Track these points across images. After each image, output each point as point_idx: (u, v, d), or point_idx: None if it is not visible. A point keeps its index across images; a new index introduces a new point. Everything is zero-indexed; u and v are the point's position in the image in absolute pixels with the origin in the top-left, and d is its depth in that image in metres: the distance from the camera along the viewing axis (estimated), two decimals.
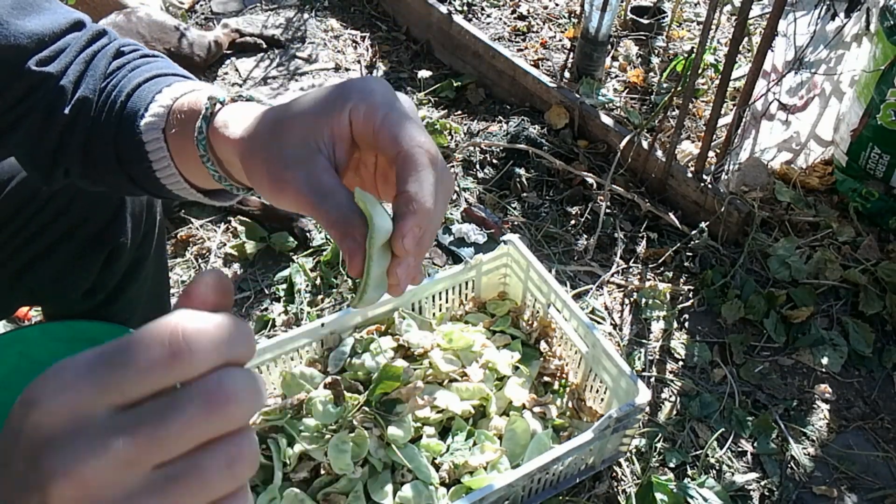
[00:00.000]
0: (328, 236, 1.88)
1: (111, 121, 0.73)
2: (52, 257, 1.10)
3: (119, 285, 1.16)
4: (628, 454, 1.43)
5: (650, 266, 1.86)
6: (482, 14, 2.86)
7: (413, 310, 1.50)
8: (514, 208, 2.00)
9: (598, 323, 1.71)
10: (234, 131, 0.61)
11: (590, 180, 2.03)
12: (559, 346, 1.50)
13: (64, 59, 0.75)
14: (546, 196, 2.04)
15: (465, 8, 2.85)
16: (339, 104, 0.54)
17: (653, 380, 1.60)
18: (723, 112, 1.86)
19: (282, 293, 1.75)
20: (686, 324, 1.72)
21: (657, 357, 1.65)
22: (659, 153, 1.99)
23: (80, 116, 0.74)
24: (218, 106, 0.65)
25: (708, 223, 1.86)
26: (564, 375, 1.48)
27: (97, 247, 1.12)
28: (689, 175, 1.91)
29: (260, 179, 0.56)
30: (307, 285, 1.76)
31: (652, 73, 2.53)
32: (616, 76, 2.52)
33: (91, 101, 0.74)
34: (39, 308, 1.53)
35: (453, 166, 2.13)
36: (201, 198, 0.74)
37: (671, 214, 1.92)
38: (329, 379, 1.34)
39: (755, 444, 1.49)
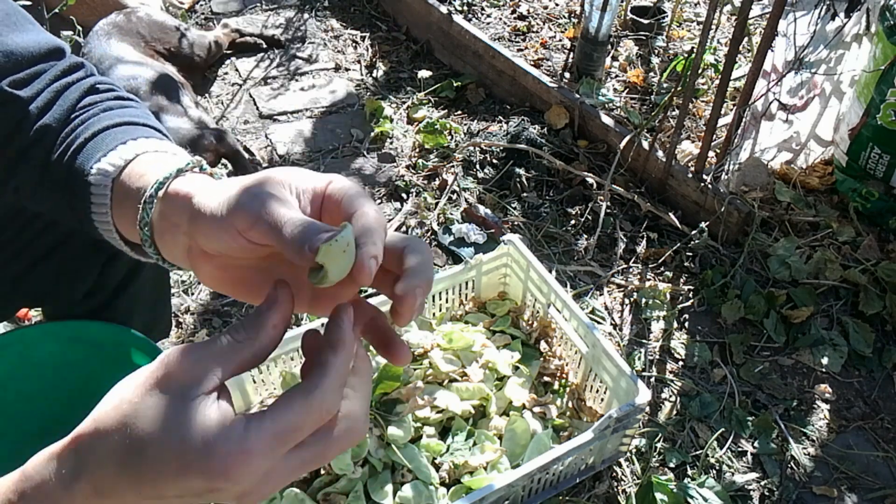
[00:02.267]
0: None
1: (70, 154, 0.73)
2: (52, 260, 1.10)
3: (119, 287, 1.16)
4: (628, 454, 1.43)
5: (650, 266, 1.86)
6: (482, 14, 2.86)
7: None
8: (514, 208, 2.00)
9: (598, 323, 1.71)
10: (200, 191, 0.59)
11: (590, 180, 2.03)
12: (559, 346, 1.50)
13: (36, 86, 0.75)
14: (546, 196, 2.04)
15: (465, 8, 2.85)
16: (322, 178, 0.56)
17: (653, 380, 1.60)
18: (723, 112, 1.86)
19: None
20: (686, 324, 1.72)
21: (657, 357, 1.65)
22: (659, 153, 1.99)
23: (41, 144, 0.75)
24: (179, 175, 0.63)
25: (708, 223, 1.86)
26: (564, 375, 1.48)
27: (97, 250, 1.12)
28: (689, 175, 1.91)
29: (216, 214, 0.55)
30: None
31: (652, 73, 2.53)
32: (616, 76, 2.52)
33: (54, 130, 0.75)
34: (39, 308, 1.53)
35: (453, 166, 2.13)
36: (125, 248, 0.72)
37: (671, 214, 1.92)
38: None
39: (755, 444, 1.49)
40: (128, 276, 1.16)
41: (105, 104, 0.77)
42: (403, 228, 1.95)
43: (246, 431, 0.42)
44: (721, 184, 1.94)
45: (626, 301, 1.77)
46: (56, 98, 0.76)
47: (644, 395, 1.24)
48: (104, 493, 0.44)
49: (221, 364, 0.45)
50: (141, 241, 0.65)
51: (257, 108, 2.43)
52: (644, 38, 2.66)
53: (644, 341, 1.68)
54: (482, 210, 1.97)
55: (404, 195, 2.07)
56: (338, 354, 0.46)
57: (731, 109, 2.06)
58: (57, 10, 2.28)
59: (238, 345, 0.46)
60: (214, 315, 1.71)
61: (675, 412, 1.54)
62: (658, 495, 1.33)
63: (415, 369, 1.37)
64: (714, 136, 1.87)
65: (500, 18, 2.84)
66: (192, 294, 1.75)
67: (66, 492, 0.44)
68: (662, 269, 1.85)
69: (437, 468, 1.29)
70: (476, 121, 2.35)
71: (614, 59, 2.58)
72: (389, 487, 1.25)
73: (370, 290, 1.75)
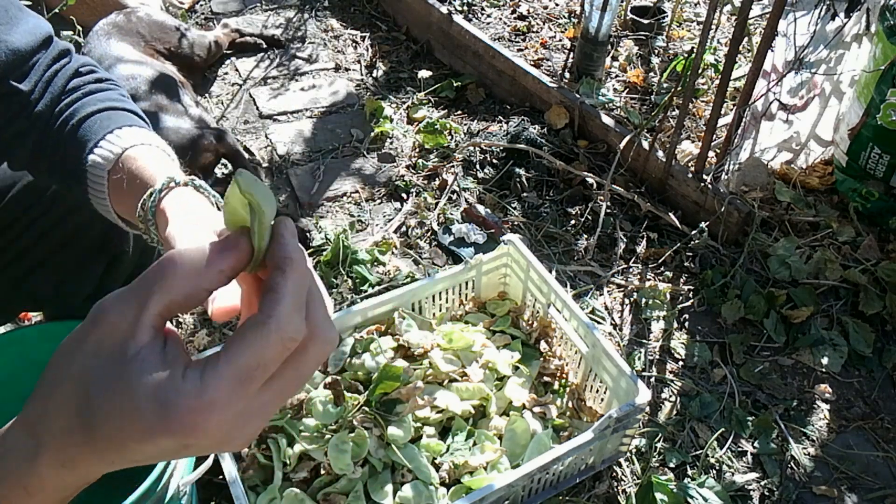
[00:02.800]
0: (327, 236, 1.88)
1: (62, 139, 0.82)
2: (54, 263, 1.10)
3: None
4: (628, 454, 1.43)
5: (650, 266, 1.86)
6: (482, 14, 2.86)
7: (413, 310, 1.50)
8: (514, 208, 2.00)
9: (598, 323, 1.71)
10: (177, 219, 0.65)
11: (590, 180, 2.03)
12: (559, 346, 1.50)
13: (33, 77, 0.84)
14: (546, 196, 2.04)
15: (465, 8, 2.85)
16: None
17: (653, 380, 1.60)
18: (723, 112, 1.86)
19: None
20: (686, 324, 1.72)
21: (657, 357, 1.65)
22: (659, 153, 1.99)
23: (35, 127, 0.84)
24: (169, 187, 0.70)
25: (708, 223, 1.86)
26: (564, 375, 1.48)
27: (99, 254, 1.12)
28: (689, 175, 1.91)
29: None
30: None
31: (652, 73, 2.53)
32: (616, 76, 2.52)
33: (46, 116, 0.83)
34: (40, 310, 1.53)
35: (453, 166, 2.13)
36: (123, 226, 0.81)
37: (671, 214, 1.92)
38: (329, 379, 1.34)
39: (755, 444, 1.49)
40: (129, 279, 1.16)
41: (87, 87, 0.85)
42: (403, 228, 1.95)
43: (202, 382, 0.38)
44: (721, 184, 1.94)
45: (626, 301, 1.77)
46: (47, 86, 0.84)
47: (644, 395, 1.24)
48: (70, 466, 0.41)
49: (151, 305, 0.40)
50: (143, 233, 0.72)
51: (257, 108, 2.43)
52: (644, 38, 2.66)
53: (644, 341, 1.68)
54: (482, 210, 1.97)
55: (404, 195, 2.06)
56: (287, 275, 0.41)
57: (731, 109, 2.06)
58: (57, 10, 2.28)
59: (171, 280, 0.41)
60: None
61: (675, 412, 1.54)
62: (658, 495, 1.33)
63: (415, 369, 1.37)
64: (714, 136, 1.87)
65: (500, 18, 2.84)
66: None
67: (31, 467, 0.41)
68: (662, 269, 1.85)
69: (437, 468, 1.29)
70: (476, 121, 2.35)
71: (614, 59, 2.58)
72: (389, 487, 1.25)
73: (371, 291, 1.75)
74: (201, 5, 2.95)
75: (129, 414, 0.38)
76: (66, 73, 0.85)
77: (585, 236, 1.93)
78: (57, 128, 0.82)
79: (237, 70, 2.61)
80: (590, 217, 1.96)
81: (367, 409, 1.30)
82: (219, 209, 0.70)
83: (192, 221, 0.63)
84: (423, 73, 2.53)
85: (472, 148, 2.17)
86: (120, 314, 0.40)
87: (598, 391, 1.41)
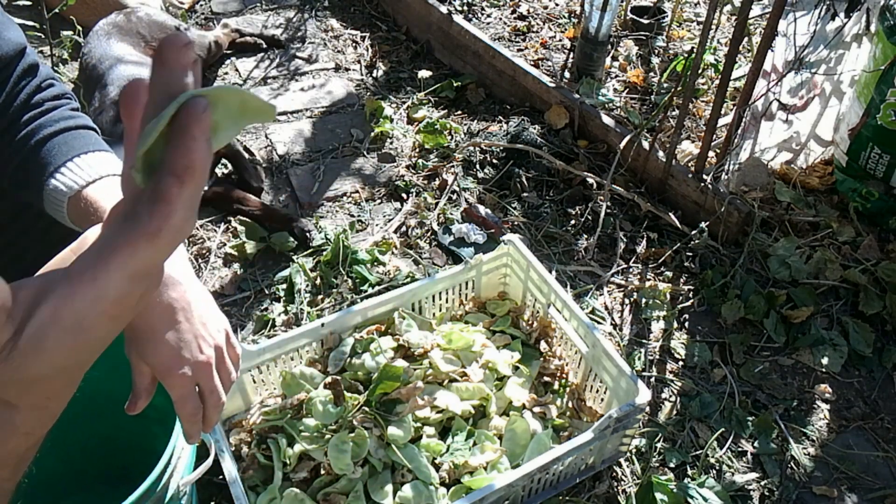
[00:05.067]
0: (327, 236, 1.88)
1: (23, 155, 0.87)
2: None
3: None
4: (628, 454, 1.43)
5: (650, 266, 1.86)
6: (482, 14, 2.86)
7: (413, 310, 1.50)
8: (514, 208, 2.00)
9: (599, 323, 1.71)
10: None
11: (590, 180, 2.03)
12: (559, 346, 1.50)
13: (6, 90, 0.88)
14: (546, 196, 2.04)
15: (465, 8, 2.85)
16: None
17: (653, 380, 1.60)
18: (723, 112, 1.86)
19: (282, 293, 1.75)
20: (686, 324, 1.72)
21: (657, 357, 1.65)
22: (659, 153, 1.99)
23: (4, 140, 0.88)
24: None
25: (708, 223, 1.86)
26: (564, 375, 1.48)
27: None
28: (690, 175, 1.91)
29: None
30: (307, 285, 1.76)
31: (652, 73, 2.53)
32: (616, 76, 2.52)
33: (10, 128, 0.88)
34: None
35: (453, 166, 2.13)
36: (74, 227, 0.88)
37: (671, 214, 1.92)
38: (329, 379, 1.34)
39: (755, 444, 1.49)
40: None
41: (48, 104, 0.91)
42: (403, 228, 1.95)
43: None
44: (721, 184, 1.94)
45: (626, 301, 1.77)
46: (14, 99, 0.89)
47: (644, 395, 1.24)
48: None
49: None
50: None
51: None
52: (644, 38, 2.66)
53: (644, 341, 1.68)
54: (482, 210, 1.97)
55: (404, 195, 2.07)
56: (185, 186, 0.37)
57: (731, 109, 2.06)
58: (57, 10, 2.28)
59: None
60: None
61: (675, 412, 1.54)
62: (658, 495, 1.33)
63: (415, 369, 1.37)
64: (714, 136, 1.87)
65: (500, 18, 2.84)
66: None
67: None
68: (662, 269, 1.85)
69: (437, 468, 1.29)
70: (476, 121, 2.35)
71: (614, 59, 2.58)
72: (389, 487, 1.25)
73: (371, 291, 1.75)
74: (201, 5, 2.95)
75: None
76: (30, 87, 0.90)
77: (585, 236, 1.93)
78: (18, 141, 0.87)
79: (237, 70, 2.61)
80: (590, 217, 1.96)
81: (367, 409, 1.30)
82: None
83: None
84: (423, 73, 2.53)
85: (472, 148, 2.17)
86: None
87: (598, 391, 1.41)
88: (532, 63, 2.50)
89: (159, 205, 0.37)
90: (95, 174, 0.85)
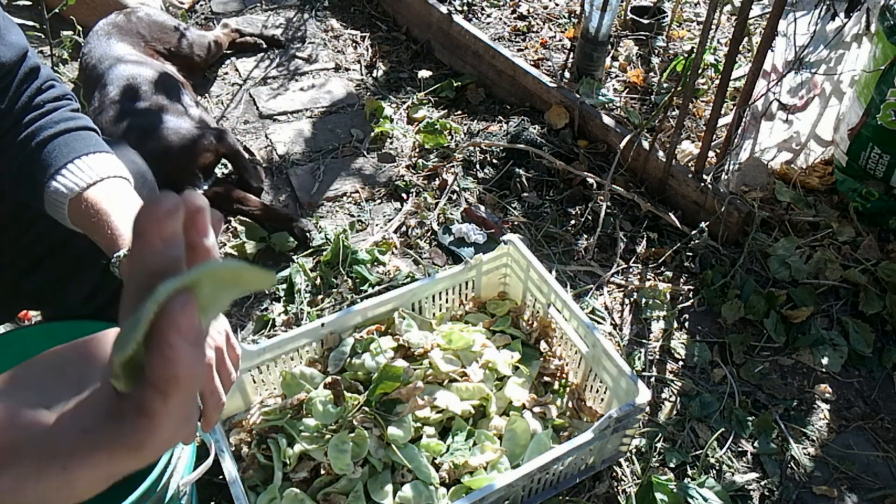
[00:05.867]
0: (327, 236, 1.88)
1: (25, 155, 0.88)
2: (52, 263, 1.10)
3: (119, 289, 1.16)
4: (628, 454, 1.43)
5: (650, 266, 1.86)
6: (482, 14, 2.86)
7: (413, 310, 1.50)
8: (515, 208, 2.00)
9: (598, 323, 1.71)
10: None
11: (590, 180, 2.03)
12: (559, 346, 1.50)
13: (9, 93, 0.89)
14: (546, 196, 2.04)
15: (465, 8, 2.85)
16: None
17: (653, 380, 1.60)
18: (723, 112, 1.86)
19: (282, 293, 1.75)
20: (686, 324, 1.72)
21: (657, 357, 1.65)
22: (659, 153, 1.99)
23: (5, 141, 0.89)
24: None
25: (708, 223, 1.86)
26: (564, 375, 1.48)
27: (98, 254, 1.12)
28: (689, 175, 1.91)
29: None
30: (307, 285, 1.76)
31: (652, 73, 2.53)
32: (616, 76, 2.52)
33: (12, 130, 0.88)
34: (39, 310, 1.53)
35: (453, 166, 2.13)
36: (76, 229, 0.89)
37: (671, 214, 1.92)
38: (329, 379, 1.34)
39: (755, 444, 1.49)
40: None
41: (49, 105, 0.91)
42: (403, 228, 1.95)
43: None
44: (721, 184, 1.94)
45: (626, 301, 1.77)
46: (17, 101, 0.89)
47: (644, 395, 1.24)
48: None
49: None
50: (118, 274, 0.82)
51: (257, 108, 2.43)
52: (644, 38, 2.66)
53: (644, 341, 1.68)
54: (482, 210, 1.97)
55: (404, 195, 2.06)
56: (170, 399, 0.33)
57: (731, 109, 2.06)
58: (57, 10, 2.28)
59: None
60: None
61: (675, 412, 1.54)
62: (658, 495, 1.33)
63: (415, 369, 1.37)
64: (714, 136, 1.87)
65: (500, 18, 2.84)
66: None
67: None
68: (662, 269, 1.85)
69: (437, 468, 1.29)
70: (476, 121, 2.35)
71: (614, 59, 2.58)
72: (389, 487, 1.25)
73: (371, 291, 1.75)
74: (201, 5, 2.95)
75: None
76: (32, 90, 0.91)
77: (585, 236, 1.93)
78: (19, 142, 0.88)
79: (237, 70, 2.61)
80: (590, 217, 1.96)
81: (367, 409, 1.30)
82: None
83: None
84: (423, 73, 2.53)
85: (472, 148, 2.17)
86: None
87: (598, 391, 1.41)
88: (532, 63, 2.50)
89: (142, 420, 0.33)
90: (96, 176, 0.85)
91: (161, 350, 0.32)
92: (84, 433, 0.35)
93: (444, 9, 2.55)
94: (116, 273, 0.82)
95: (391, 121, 2.32)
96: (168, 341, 0.31)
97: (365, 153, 2.23)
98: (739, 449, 1.48)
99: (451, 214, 1.97)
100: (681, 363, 1.64)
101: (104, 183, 0.85)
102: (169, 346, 0.32)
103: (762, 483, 1.43)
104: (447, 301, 1.55)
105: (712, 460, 1.45)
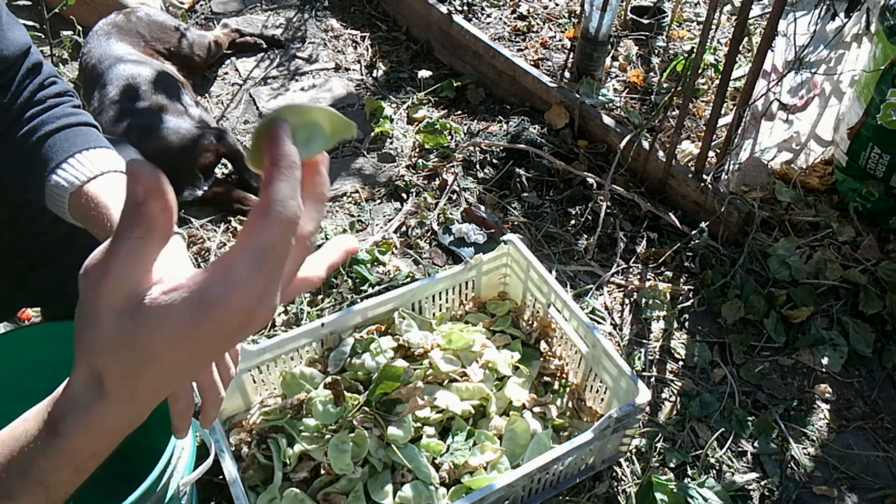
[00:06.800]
0: (327, 236, 1.88)
1: (26, 150, 0.89)
2: (54, 261, 1.10)
3: None
4: (628, 454, 1.43)
5: (650, 266, 1.86)
6: (482, 14, 2.86)
7: (413, 310, 1.50)
8: (515, 208, 2.00)
9: (599, 323, 1.71)
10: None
11: (590, 180, 2.03)
12: (559, 346, 1.50)
13: (11, 88, 0.90)
14: (546, 196, 2.04)
15: (465, 8, 2.85)
16: None
17: (653, 380, 1.60)
18: (723, 112, 1.86)
19: None
20: (686, 324, 1.72)
21: (657, 357, 1.65)
22: (659, 153, 1.99)
23: (7, 137, 0.90)
24: None
25: (708, 223, 1.86)
26: (564, 375, 1.48)
27: None
28: (690, 175, 1.91)
29: None
30: None
31: (652, 73, 2.53)
32: (616, 76, 2.52)
33: (14, 125, 0.89)
34: (39, 310, 1.53)
35: (453, 166, 2.13)
36: (77, 224, 0.89)
37: (671, 214, 1.92)
38: (329, 379, 1.34)
39: (755, 444, 1.49)
40: None
41: (50, 101, 0.92)
42: (403, 228, 1.95)
43: (226, 268, 0.41)
44: (721, 184, 1.94)
45: (626, 301, 1.77)
46: (19, 96, 0.90)
47: (644, 395, 1.24)
48: (131, 398, 0.45)
49: (142, 265, 0.43)
50: None
51: (257, 108, 2.43)
52: (644, 38, 2.66)
53: (644, 341, 1.68)
54: (482, 210, 1.97)
55: (404, 195, 2.06)
56: (281, 170, 0.43)
57: (731, 109, 2.06)
58: (57, 10, 2.28)
59: (141, 242, 0.42)
60: None
61: (675, 412, 1.54)
62: (658, 495, 1.33)
63: (415, 369, 1.37)
64: (714, 136, 1.87)
65: (500, 18, 2.84)
66: None
67: (97, 407, 0.44)
68: (662, 269, 1.85)
69: (437, 468, 1.29)
70: (476, 121, 2.35)
71: (614, 59, 2.58)
72: (389, 487, 1.25)
73: (371, 291, 1.75)
74: (201, 5, 2.95)
75: (182, 332, 0.41)
76: (34, 85, 0.92)
77: (585, 236, 1.93)
78: (21, 137, 0.88)
79: (237, 70, 2.61)
80: (590, 217, 1.96)
81: (367, 409, 1.30)
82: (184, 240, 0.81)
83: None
84: (423, 73, 2.53)
85: (472, 148, 2.17)
86: (120, 279, 0.42)
87: (598, 391, 1.41)
88: (532, 63, 2.50)
89: (268, 186, 0.43)
90: (97, 170, 0.86)
91: (274, 139, 0.44)
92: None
93: (444, 9, 2.55)
94: None
95: (391, 121, 2.32)
96: (279, 134, 0.44)
97: (365, 153, 2.23)
98: (739, 449, 1.48)
99: (451, 214, 1.97)
100: (681, 363, 1.64)
101: (104, 177, 0.86)
102: (279, 136, 0.44)
103: (762, 483, 1.43)
104: (447, 301, 1.55)
105: (712, 460, 1.45)
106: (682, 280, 1.82)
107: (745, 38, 2.24)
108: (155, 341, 0.41)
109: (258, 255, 0.42)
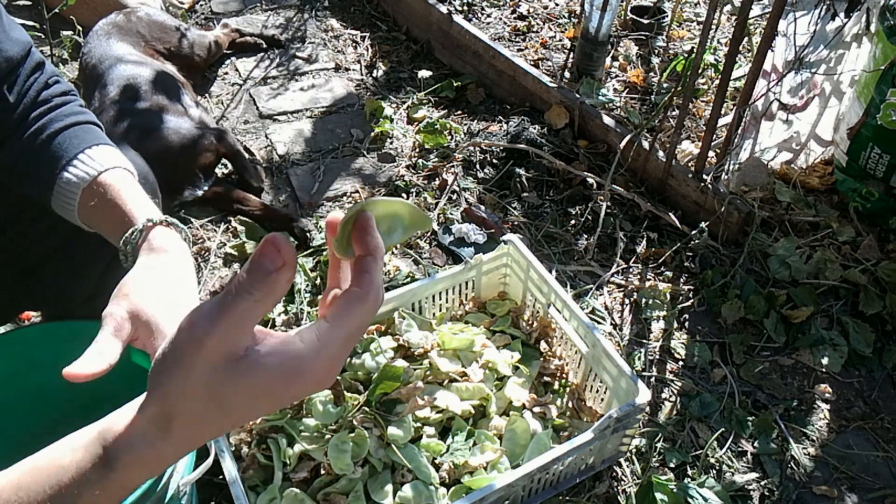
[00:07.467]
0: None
1: (34, 150, 0.89)
2: (53, 264, 1.10)
3: None
4: (628, 454, 1.43)
5: (650, 266, 1.86)
6: (482, 14, 2.86)
7: (413, 310, 1.50)
8: (515, 208, 2.00)
9: (599, 323, 1.71)
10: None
11: (590, 180, 2.03)
12: (559, 346, 1.50)
13: (16, 88, 0.90)
14: (546, 196, 2.04)
15: (465, 8, 2.85)
16: None
17: (653, 380, 1.60)
18: (723, 112, 1.86)
19: None
20: (686, 324, 1.72)
21: (657, 357, 1.65)
22: (659, 153, 1.99)
23: (11, 137, 0.90)
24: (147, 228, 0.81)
25: (708, 223, 1.86)
26: (564, 375, 1.48)
27: (98, 255, 1.12)
28: (690, 175, 1.91)
29: None
30: (307, 285, 1.76)
31: (652, 73, 2.53)
32: (616, 76, 2.52)
33: (20, 126, 0.90)
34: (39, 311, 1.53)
35: (453, 166, 2.13)
36: (82, 226, 0.90)
37: (671, 214, 1.92)
38: None
39: (755, 444, 1.49)
40: None
41: (56, 100, 0.93)
42: None
43: (320, 343, 0.45)
44: (721, 184, 1.94)
45: (626, 301, 1.77)
46: (24, 97, 0.91)
47: (644, 395, 1.24)
48: (192, 445, 0.47)
49: (249, 325, 0.45)
50: (121, 254, 0.83)
51: (257, 108, 2.43)
52: (644, 38, 2.66)
53: (644, 341, 1.68)
54: (482, 210, 1.97)
55: (404, 195, 2.06)
56: (377, 260, 0.49)
57: (731, 109, 2.06)
58: (57, 10, 2.28)
59: (256, 305, 0.45)
60: None
61: (675, 412, 1.54)
62: (658, 495, 1.33)
63: (415, 369, 1.37)
64: (714, 136, 1.87)
65: (500, 18, 2.85)
66: None
67: (157, 448, 0.46)
68: (662, 269, 1.85)
69: (437, 468, 1.29)
70: (476, 121, 2.35)
71: (614, 59, 2.58)
72: (389, 487, 1.25)
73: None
74: (201, 5, 2.95)
75: (262, 394, 0.44)
76: (38, 85, 0.92)
77: (585, 236, 1.93)
78: (27, 137, 0.89)
79: (237, 70, 2.61)
80: (590, 217, 1.96)
81: (367, 409, 1.30)
82: (187, 240, 0.84)
83: (162, 262, 0.78)
84: (423, 73, 2.53)
85: (472, 148, 2.17)
86: (223, 334, 0.44)
87: (598, 391, 1.41)
88: (532, 63, 2.50)
89: (364, 276, 0.47)
90: (108, 164, 0.87)
91: (368, 231, 0.48)
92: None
93: (444, 9, 2.55)
94: (124, 261, 0.82)
95: (391, 121, 2.32)
96: (370, 226, 0.49)
97: (365, 153, 2.23)
98: (739, 449, 1.48)
99: (451, 214, 1.97)
100: (681, 363, 1.64)
101: (114, 171, 0.87)
102: (371, 227, 0.49)
103: (762, 483, 1.43)
104: (447, 301, 1.55)
105: (712, 460, 1.45)
106: (682, 280, 1.82)
107: (745, 38, 2.24)
108: (239, 398, 0.44)
109: (350, 336, 0.46)
